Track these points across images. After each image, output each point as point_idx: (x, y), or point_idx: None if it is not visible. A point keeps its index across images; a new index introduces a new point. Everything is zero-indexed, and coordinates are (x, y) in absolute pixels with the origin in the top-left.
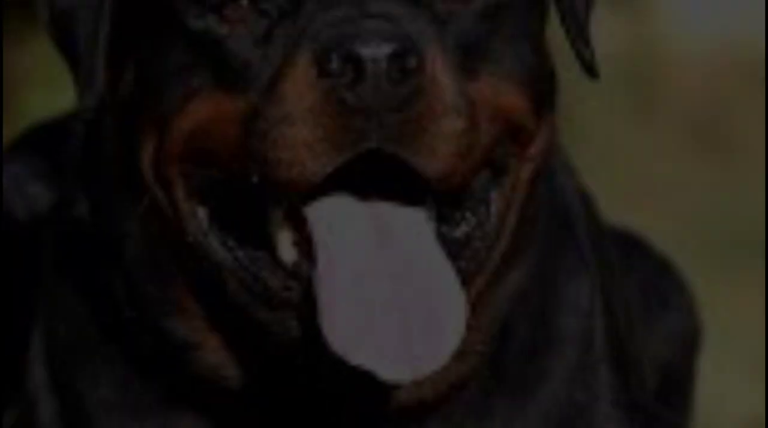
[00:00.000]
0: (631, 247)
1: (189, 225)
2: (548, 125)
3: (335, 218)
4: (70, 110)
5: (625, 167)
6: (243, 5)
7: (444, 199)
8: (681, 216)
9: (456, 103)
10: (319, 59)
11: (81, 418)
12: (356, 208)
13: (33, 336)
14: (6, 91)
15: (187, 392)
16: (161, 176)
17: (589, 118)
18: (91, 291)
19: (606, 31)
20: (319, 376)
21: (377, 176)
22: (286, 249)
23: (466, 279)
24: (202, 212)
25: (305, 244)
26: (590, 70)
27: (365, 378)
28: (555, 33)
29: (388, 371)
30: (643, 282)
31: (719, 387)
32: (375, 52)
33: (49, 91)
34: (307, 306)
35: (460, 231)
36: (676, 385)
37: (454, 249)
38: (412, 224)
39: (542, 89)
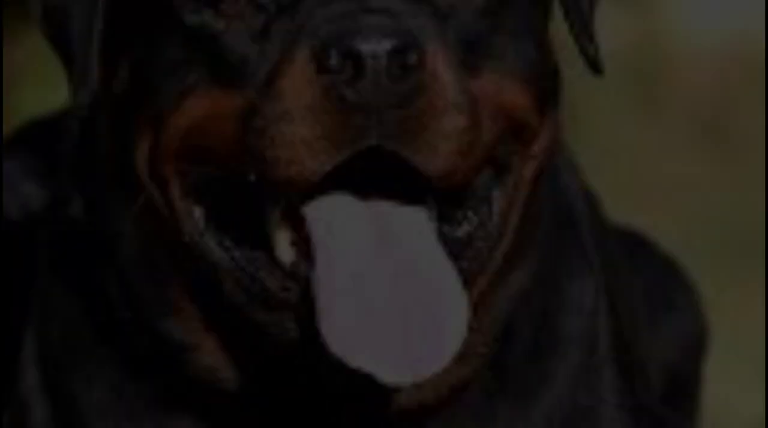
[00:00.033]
0: (635, 247)
1: (185, 224)
2: (551, 123)
3: (334, 217)
4: (63, 108)
5: (630, 165)
6: (240, 0)
7: (445, 198)
8: (687, 215)
9: (457, 99)
10: (318, 55)
11: (74, 421)
12: (356, 207)
13: (26, 337)
14: None
15: (184, 394)
16: (157, 174)
17: (593, 116)
18: (85, 291)
19: (611, 26)
20: (317, 378)
21: (377, 175)
22: (284, 249)
23: (467, 280)
24: (198, 211)
25: (303, 244)
26: (595, 66)
27: (365, 381)
28: (558, 28)
29: (388, 373)
30: (649, 283)
31: (726, 390)
32: (375, 48)
33: (42, 88)
34: (306, 308)
35: (461, 231)
36: (682, 388)
37: (455, 249)
38: (413, 223)
39: (545, 86)
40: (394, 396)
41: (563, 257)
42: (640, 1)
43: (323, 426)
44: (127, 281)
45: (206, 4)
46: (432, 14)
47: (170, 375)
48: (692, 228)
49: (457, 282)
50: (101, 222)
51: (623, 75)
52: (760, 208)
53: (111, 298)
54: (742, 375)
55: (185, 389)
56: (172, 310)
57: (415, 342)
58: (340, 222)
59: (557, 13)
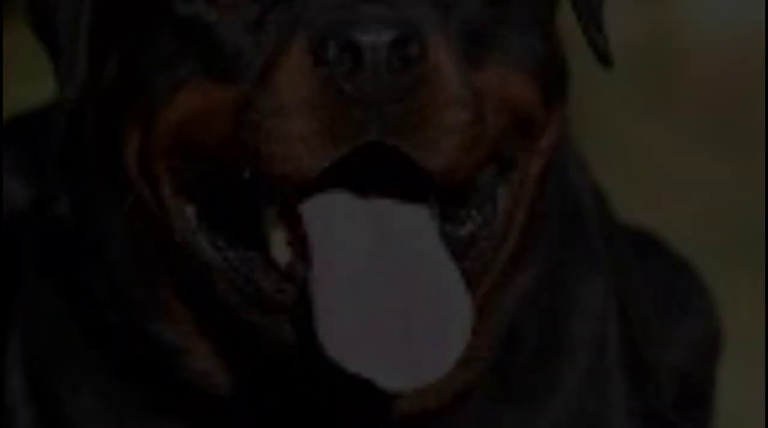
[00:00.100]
0: (646, 247)
1: (176, 223)
2: (559, 117)
3: (332, 216)
4: (49, 102)
5: (641, 162)
6: None
7: (448, 196)
8: (700, 214)
9: (460, 93)
10: (315, 47)
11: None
12: (354, 206)
13: (11, 340)
14: None
15: (175, 400)
16: (147, 171)
17: (602, 110)
18: (72, 292)
19: (621, 17)
20: (314, 384)
21: (377, 171)
22: (280, 249)
23: (471, 281)
24: (190, 210)
25: (300, 244)
26: (604, 58)
27: (364, 387)
28: (566, 19)
29: (388, 379)
30: (660, 284)
31: (741, 395)
32: (375, 39)
33: (27, 81)
34: (302, 310)
35: (465, 230)
36: (694, 393)
37: (458, 249)
38: (414, 222)
39: (552, 79)
40: (395, 402)
41: (571, 257)
42: None
43: None
44: (116, 282)
45: None
46: (434, 4)
47: (161, 379)
48: (705, 227)
49: (460, 283)
50: (89, 221)
51: (633, 68)
52: None
53: (99, 300)
54: (758, 380)
55: (176, 394)
56: (163, 312)
57: (417, 346)
58: (338, 221)
59: (565, 3)
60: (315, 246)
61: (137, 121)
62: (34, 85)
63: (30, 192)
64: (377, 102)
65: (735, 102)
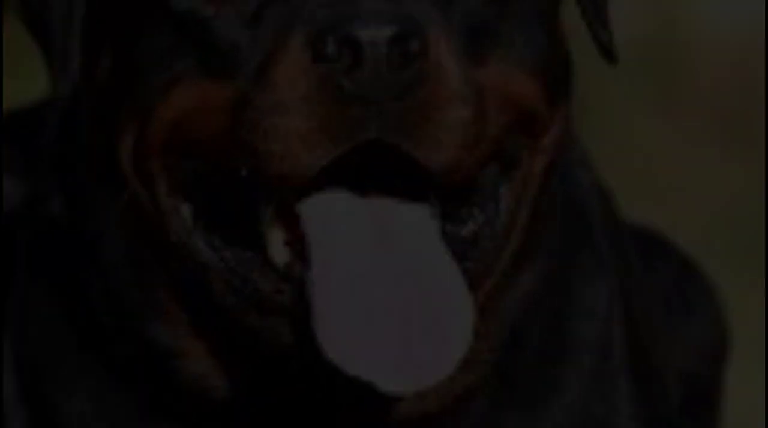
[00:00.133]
0: (652, 248)
1: (172, 223)
2: (562, 115)
3: (331, 215)
4: (42, 98)
5: (647, 160)
6: None
7: (449, 195)
8: (707, 213)
9: (462, 90)
10: (313, 42)
11: None
12: (354, 205)
13: (2, 343)
14: None
15: (170, 403)
16: (142, 170)
17: (607, 108)
18: (66, 294)
19: (626, 12)
20: (313, 387)
21: (377, 170)
22: (278, 249)
23: (473, 282)
24: (186, 209)
25: (298, 244)
26: (609, 54)
27: (363, 390)
28: (570, 14)
29: (388, 381)
30: (666, 286)
31: (749, 400)
32: (374, 34)
33: (19, 77)
34: (301, 311)
35: (466, 230)
36: (701, 398)
37: (460, 249)
38: (415, 222)
39: (556, 75)
40: (395, 405)
41: (575, 258)
42: None
43: None
44: (110, 283)
45: None
46: None
47: (156, 383)
48: (712, 227)
49: (461, 284)
50: (83, 220)
51: (639, 64)
52: None
53: (93, 301)
54: (759, 382)
55: (172, 398)
56: (158, 314)
57: (417, 348)
58: (337, 220)
59: None
60: (313, 246)
61: (132, 119)
62: (26, 81)
63: (22, 190)
64: (377, 99)
65: (743, 100)
